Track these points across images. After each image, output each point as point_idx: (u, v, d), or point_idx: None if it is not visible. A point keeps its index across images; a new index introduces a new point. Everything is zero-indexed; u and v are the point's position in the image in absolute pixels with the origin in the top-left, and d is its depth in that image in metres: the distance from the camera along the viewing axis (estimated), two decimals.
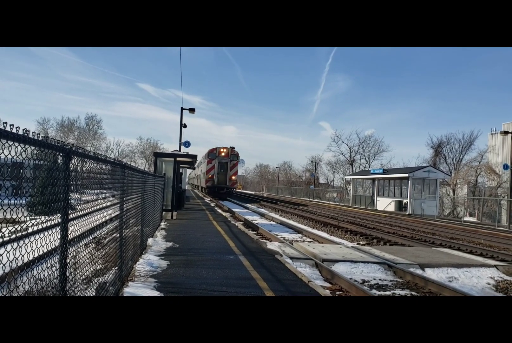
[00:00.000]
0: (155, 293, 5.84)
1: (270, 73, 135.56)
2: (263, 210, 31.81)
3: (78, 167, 3.53)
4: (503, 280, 9.20)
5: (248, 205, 35.61)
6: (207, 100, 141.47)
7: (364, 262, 9.77)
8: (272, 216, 25.10)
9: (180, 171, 25.46)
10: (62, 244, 3.05)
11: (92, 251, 4.31)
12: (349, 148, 70.06)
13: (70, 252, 3.28)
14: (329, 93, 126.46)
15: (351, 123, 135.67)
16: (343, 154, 70.77)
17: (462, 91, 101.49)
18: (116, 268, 5.60)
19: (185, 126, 28.19)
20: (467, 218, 34.37)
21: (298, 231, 18.14)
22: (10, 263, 2.19)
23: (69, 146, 3.18)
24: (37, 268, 2.66)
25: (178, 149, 25.88)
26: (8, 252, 2.17)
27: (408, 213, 32.69)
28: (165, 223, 15.48)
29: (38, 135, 2.47)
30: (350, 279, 8.24)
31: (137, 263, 7.78)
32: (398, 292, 7.93)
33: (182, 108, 27.63)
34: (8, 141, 2.08)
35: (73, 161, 3.28)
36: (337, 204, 47.08)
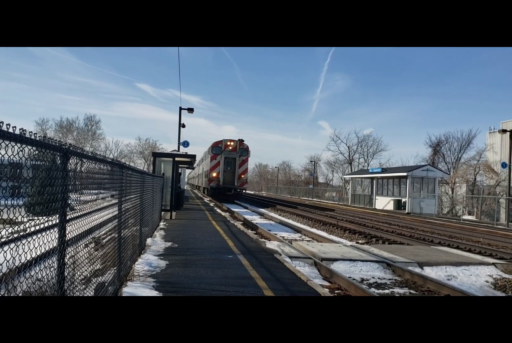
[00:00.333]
0: (154, 293, 5.84)
1: (269, 73, 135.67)
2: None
3: (76, 168, 3.53)
4: (502, 278, 9.22)
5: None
6: (206, 100, 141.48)
7: (363, 261, 9.78)
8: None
9: (179, 171, 25.45)
10: (60, 244, 3.05)
11: (91, 251, 4.31)
12: (348, 147, 70.02)
13: (68, 252, 3.28)
14: (328, 93, 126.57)
15: (350, 122, 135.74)
16: (342, 154, 70.75)
17: (461, 90, 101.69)
18: (115, 268, 5.60)
19: (183, 126, 28.21)
20: (466, 217, 34.42)
21: (297, 230, 18.15)
22: (8, 263, 2.19)
23: (67, 146, 3.17)
24: (35, 268, 2.66)
25: (177, 149, 25.89)
26: (6, 252, 2.17)
27: (407, 211, 32.73)
28: (164, 223, 15.48)
29: (35, 135, 2.47)
30: (349, 277, 8.25)
31: (136, 263, 7.78)
32: (397, 290, 7.94)
33: (180, 108, 27.65)
34: (5, 141, 2.08)
35: (70, 161, 3.28)
36: (336, 203, 47.08)
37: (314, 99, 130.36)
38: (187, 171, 56.26)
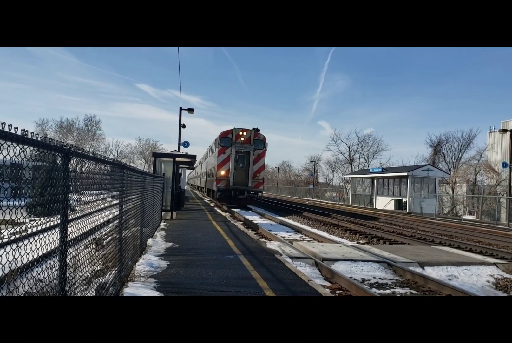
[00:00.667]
0: (155, 293, 5.84)
1: (269, 73, 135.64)
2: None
3: (77, 168, 3.53)
4: (503, 278, 9.21)
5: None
6: (206, 100, 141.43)
7: (363, 261, 9.78)
8: None
9: (179, 171, 25.45)
10: (62, 245, 3.05)
11: (92, 251, 4.30)
12: (348, 147, 70.00)
13: (69, 253, 3.28)
14: (328, 93, 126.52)
15: (350, 122, 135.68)
16: (342, 154, 70.75)
17: (461, 89, 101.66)
18: (116, 268, 5.60)
19: (184, 126, 28.20)
20: (467, 216, 34.41)
21: (297, 230, 18.15)
22: (10, 264, 2.18)
23: (68, 147, 3.17)
24: (37, 269, 2.66)
25: (177, 150, 25.88)
26: (8, 253, 2.17)
27: (407, 211, 32.71)
28: (165, 223, 15.48)
29: (37, 135, 2.47)
30: (350, 278, 8.24)
31: (137, 263, 7.78)
32: (398, 290, 7.93)
33: (181, 109, 27.64)
34: (7, 142, 2.08)
35: (72, 162, 3.27)
36: (337, 203, 47.08)
37: (314, 99, 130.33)
38: (187, 171, 55.75)
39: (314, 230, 18.33)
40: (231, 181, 28.04)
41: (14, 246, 2.27)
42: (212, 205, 29.66)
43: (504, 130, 29.17)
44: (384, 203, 37.37)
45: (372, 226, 20.73)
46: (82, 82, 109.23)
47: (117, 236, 5.66)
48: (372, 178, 40.53)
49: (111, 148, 76.11)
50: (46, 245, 2.71)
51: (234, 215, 22.39)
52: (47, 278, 2.81)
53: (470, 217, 34.72)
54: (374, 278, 8.79)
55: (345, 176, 57.92)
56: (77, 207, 3.66)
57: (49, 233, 2.83)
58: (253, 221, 19.63)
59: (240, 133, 28.76)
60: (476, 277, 9.13)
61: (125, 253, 6.27)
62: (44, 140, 2.63)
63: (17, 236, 2.38)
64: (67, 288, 3.25)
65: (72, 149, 3.25)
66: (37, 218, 2.83)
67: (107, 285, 4.97)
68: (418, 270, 9.37)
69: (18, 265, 2.31)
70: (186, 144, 28.92)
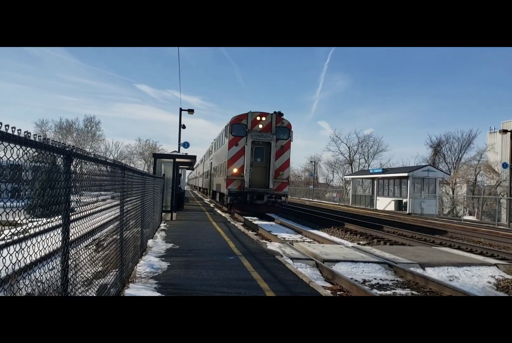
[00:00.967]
0: (156, 295, 5.83)
1: (268, 73, 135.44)
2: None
3: (77, 169, 3.52)
4: (504, 278, 9.20)
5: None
6: (206, 100, 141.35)
7: (364, 262, 9.77)
8: None
9: (179, 172, 25.45)
10: (64, 246, 3.05)
11: (93, 253, 4.30)
12: (348, 148, 70.01)
13: (71, 254, 3.28)
14: (327, 93, 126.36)
15: (350, 122, 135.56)
16: (342, 154, 70.78)
17: (461, 90, 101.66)
18: (117, 269, 5.59)
19: (184, 127, 28.20)
20: (467, 217, 34.41)
21: (298, 231, 18.14)
22: (13, 266, 2.18)
23: (70, 148, 3.17)
24: (39, 270, 2.65)
25: (177, 150, 25.88)
26: (11, 255, 2.17)
27: (407, 212, 32.72)
28: (165, 224, 15.47)
29: (40, 137, 2.47)
30: (351, 279, 8.24)
31: (138, 264, 7.77)
32: (399, 291, 7.93)
33: (181, 109, 27.64)
34: (10, 144, 2.07)
35: (73, 163, 3.27)
36: (337, 203, 47.08)
37: (314, 99, 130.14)
38: (187, 172, 55.40)
39: (315, 231, 18.33)
40: (247, 181, 21.28)
41: (17, 247, 2.26)
42: (212, 205, 29.65)
43: (504, 131, 29.18)
44: (385, 203, 37.37)
45: (372, 226, 20.72)
46: (81, 83, 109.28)
47: (118, 237, 5.65)
48: (372, 179, 40.54)
49: (111, 149, 76.21)
50: (48, 246, 2.70)
51: (233, 216, 22.38)
52: (49, 279, 2.81)
53: (471, 218, 34.72)
54: (375, 279, 8.78)
55: (345, 177, 57.97)
56: (79, 208, 3.65)
57: (51, 234, 2.82)
58: (253, 222, 19.59)
59: (258, 118, 22.16)
60: (477, 278, 9.12)
61: (126, 254, 6.26)
62: (46, 142, 2.63)
63: (21, 236, 2.38)
64: (69, 290, 3.24)
65: (74, 150, 3.25)
66: (39, 219, 2.83)
67: (108, 286, 4.96)
68: (419, 271, 9.36)
69: (21, 266, 2.30)
70: (186, 145, 28.93)
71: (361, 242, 15.57)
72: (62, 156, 3.07)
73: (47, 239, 2.70)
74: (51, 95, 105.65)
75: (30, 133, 2.32)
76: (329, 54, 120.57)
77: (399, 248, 12.75)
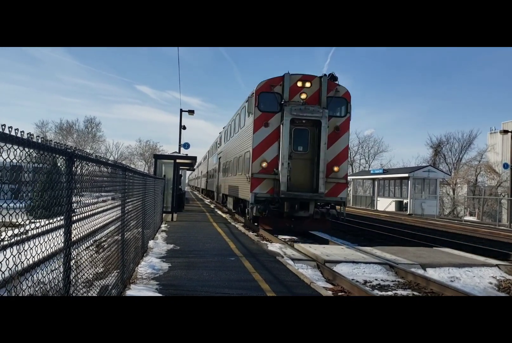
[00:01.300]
0: (157, 295, 5.83)
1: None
2: None
3: (78, 170, 3.53)
4: (505, 279, 9.19)
5: None
6: (206, 101, 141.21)
7: (365, 263, 9.76)
8: None
9: (180, 173, 25.46)
10: (66, 248, 3.05)
11: (94, 254, 4.30)
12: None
13: (73, 255, 3.28)
14: None
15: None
16: None
17: (461, 90, 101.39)
18: (118, 270, 5.59)
19: (184, 128, 28.22)
20: (468, 217, 34.39)
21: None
22: (16, 267, 2.18)
23: (72, 150, 3.17)
24: (42, 271, 2.65)
25: (177, 151, 25.90)
26: (14, 256, 2.17)
27: (408, 213, 32.71)
28: (166, 225, 15.47)
29: (43, 139, 2.47)
30: (352, 279, 8.23)
31: (139, 265, 7.77)
32: (400, 292, 7.92)
33: (181, 110, 27.68)
34: (14, 146, 2.08)
35: (75, 164, 3.27)
36: None
37: None
38: (187, 172, 54.94)
39: (314, 232, 18.30)
40: (283, 181, 13.63)
41: (20, 248, 2.26)
42: (212, 206, 29.64)
43: (505, 131, 29.17)
44: (385, 204, 37.37)
45: (373, 227, 20.71)
46: (81, 84, 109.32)
47: (119, 238, 5.66)
48: (373, 179, 40.54)
49: (112, 150, 76.24)
50: (51, 247, 2.70)
51: (234, 217, 22.37)
52: (51, 281, 2.81)
53: (471, 218, 34.70)
54: (376, 279, 8.77)
55: None
56: (80, 209, 3.66)
57: (53, 235, 2.82)
58: (254, 223, 19.55)
59: (300, 84, 14.35)
60: (478, 279, 9.11)
61: (127, 255, 6.26)
62: (49, 144, 2.63)
63: (23, 237, 2.38)
64: (71, 291, 3.24)
65: (76, 152, 3.25)
66: (41, 220, 2.83)
67: (110, 287, 4.96)
68: (420, 271, 9.35)
69: (24, 267, 2.31)
70: (186, 145, 28.96)
71: (362, 243, 15.56)
72: (64, 157, 3.07)
73: (50, 240, 2.71)
74: (51, 96, 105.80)
75: (33, 135, 2.32)
76: (329, 54, 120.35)
77: (400, 249, 12.73)
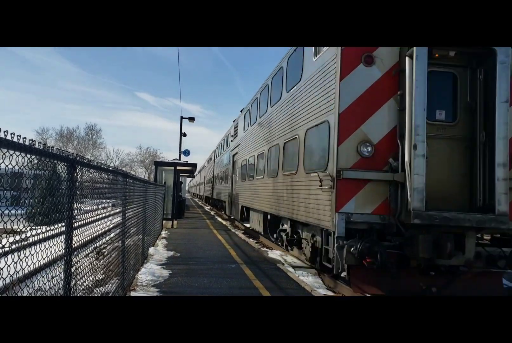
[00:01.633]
0: None
1: None
2: None
3: (78, 177, 3.52)
4: None
5: None
6: (206, 108, 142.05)
7: None
8: None
9: (180, 180, 25.45)
10: (67, 255, 3.04)
11: (95, 261, 4.29)
12: None
13: (74, 262, 3.27)
14: None
15: None
16: None
17: None
18: (118, 277, 5.57)
19: (184, 135, 28.25)
20: None
21: None
22: (17, 274, 2.18)
23: (73, 156, 3.18)
24: (43, 278, 2.64)
25: (178, 158, 25.92)
26: (16, 263, 2.16)
27: None
28: (166, 231, 15.43)
29: (45, 145, 2.48)
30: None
31: (139, 272, 7.74)
32: None
33: (181, 117, 27.72)
34: (16, 152, 2.08)
35: (77, 171, 3.28)
36: None
37: None
38: (187, 180, 54.69)
39: None
40: (420, 186, 5.97)
41: (22, 255, 2.26)
42: (212, 213, 29.58)
43: None
44: None
45: None
46: (82, 91, 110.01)
47: (120, 244, 5.64)
48: None
49: (112, 157, 76.31)
50: (52, 254, 2.70)
51: (234, 224, 22.31)
52: (52, 287, 2.79)
53: None
54: None
55: None
56: (81, 215, 3.65)
57: (54, 242, 2.82)
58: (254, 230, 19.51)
59: None
60: None
61: (127, 262, 6.24)
62: (51, 150, 2.64)
63: (24, 243, 2.38)
64: None
65: (78, 158, 3.26)
66: (42, 227, 2.83)
67: (110, 294, 4.94)
68: None
69: (24, 274, 2.30)
70: (186, 152, 28.95)
71: None
72: (65, 164, 3.07)
73: (50, 246, 2.70)
74: (52, 103, 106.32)
75: (35, 141, 2.33)
76: None
77: None
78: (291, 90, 9.74)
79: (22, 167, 2.19)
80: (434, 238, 6.00)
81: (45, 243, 2.63)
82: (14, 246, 2.29)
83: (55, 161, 2.78)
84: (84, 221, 3.65)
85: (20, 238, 2.27)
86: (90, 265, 4.01)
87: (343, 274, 6.85)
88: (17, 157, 2.10)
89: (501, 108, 5.98)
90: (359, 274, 6.34)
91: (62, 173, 3.05)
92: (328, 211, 6.60)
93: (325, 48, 7.36)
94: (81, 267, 3.56)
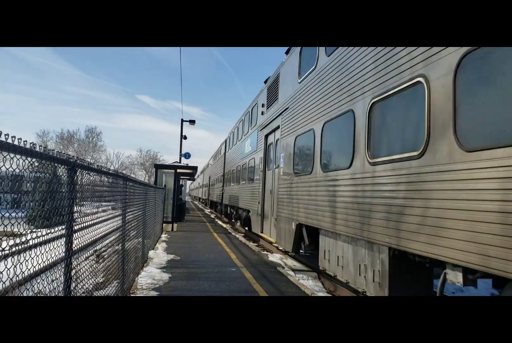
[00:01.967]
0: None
1: None
2: None
3: (79, 180, 3.52)
4: None
5: None
6: (206, 111, 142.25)
7: None
8: None
9: (181, 183, 25.45)
10: (67, 258, 3.03)
11: (95, 264, 4.28)
12: None
13: (74, 266, 3.26)
14: None
15: None
16: None
17: None
18: (118, 280, 5.56)
19: (185, 137, 28.26)
20: None
21: None
22: (17, 277, 2.17)
23: (74, 159, 3.18)
24: (43, 281, 2.64)
25: (178, 161, 25.93)
26: (16, 266, 2.16)
27: None
28: (166, 235, 15.42)
29: (45, 148, 2.48)
30: (354, 290, 8.16)
31: (139, 275, 7.73)
32: None
33: (182, 120, 27.75)
34: (16, 155, 2.08)
35: (77, 174, 3.27)
36: None
37: None
38: (188, 182, 54.53)
39: None
40: None
41: (21, 259, 2.25)
42: (212, 216, 29.56)
43: None
44: None
45: None
46: (83, 94, 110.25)
47: (120, 248, 5.63)
48: None
49: (112, 160, 76.36)
50: (52, 257, 2.69)
51: (234, 227, 22.30)
52: (52, 291, 2.79)
53: None
54: None
55: None
56: (81, 219, 3.65)
57: (54, 245, 2.81)
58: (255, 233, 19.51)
59: None
60: None
61: (127, 265, 6.23)
62: (51, 153, 2.64)
63: (24, 246, 2.37)
64: None
65: (78, 161, 3.26)
66: (43, 230, 2.82)
67: None
68: None
69: (24, 277, 2.29)
70: (187, 155, 28.96)
71: None
72: (66, 167, 3.07)
73: (50, 249, 2.70)
74: (52, 106, 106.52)
75: (35, 145, 2.33)
76: None
77: None
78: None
79: (23, 170, 2.19)
80: None
81: (45, 246, 2.63)
82: (14, 249, 2.28)
83: (55, 164, 2.78)
84: (84, 224, 3.65)
85: (20, 241, 2.27)
86: (90, 268, 4.00)
87: None
88: (18, 161, 2.10)
89: None
90: None
91: (62, 176, 3.05)
92: None
93: None
94: (81, 270, 3.55)
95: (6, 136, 1.96)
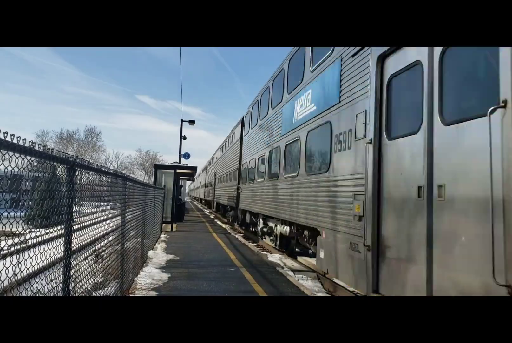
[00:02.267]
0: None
1: None
2: None
3: (78, 179, 3.51)
4: None
5: None
6: (206, 111, 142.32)
7: None
8: None
9: (180, 183, 25.44)
10: (66, 257, 3.02)
11: (94, 264, 4.27)
12: None
13: (73, 265, 3.25)
14: None
15: None
16: None
17: None
18: (117, 280, 5.55)
19: (185, 138, 28.24)
20: None
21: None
22: (16, 277, 2.16)
23: (73, 158, 3.17)
24: (42, 281, 2.63)
25: (177, 161, 25.91)
26: (14, 266, 2.15)
27: None
28: (165, 235, 15.40)
29: (44, 147, 2.47)
30: (353, 291, 8.15)
31: (138, 276, 7.71)
32: None
33: (182, 120, 27.73)
34: (15, 154, 2.07)
35: (77, 173, 3.26)
36: None
37: None
38: (187, 183, 54.56)
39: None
40: None
41: (20, 258, 2.25)
42: (212, 216, 29.53)
43: None
44: None
45: None
46: (83, 94, 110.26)
47: (119, 248, 5.62)
48: None
49: (112, 160, 76.37)
50: (51, 257, 2.68)
51: (234, 227, 22.28)
52: (51, 291, 2.78)
53: None
54: None
55: None
56: (80, 218, 3.64)
57: (53, 245, 2.80)
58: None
59: None
60: None
61: (126, 265, 6.22)
62: (52, 152, 2.63)
63: (23, 246, 2.36)
64: None
65: (78, 161, 3.25)
66: (42, 229, 2.81)
67: None
68: None
69: (23, 276, 2.29)
70: (186, 156, 28.94)
71: None
72: (65, 166, 3.06)
73: (49, 249, 2.68)
74: (52, 106, 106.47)
75: (35, 143, 2.32)
76: None
77: None
78: None
79: (22, 169, 2.18)
80: None
81: (44, 246, 2.62)
82: (13, 248, 2.27)
83: (54, 163, 2.77)
84: (83, 224, 3.64)
85: (19, 240, 2.26)
86: (89, 268, 3.99)
87: None
88: (17, 159, 2.09)
89: None
90: None
91: (61, 175, 3.04)
92: None
93: None
94: (80, 269, 3.54)
95: (5, 135, 1.95)
